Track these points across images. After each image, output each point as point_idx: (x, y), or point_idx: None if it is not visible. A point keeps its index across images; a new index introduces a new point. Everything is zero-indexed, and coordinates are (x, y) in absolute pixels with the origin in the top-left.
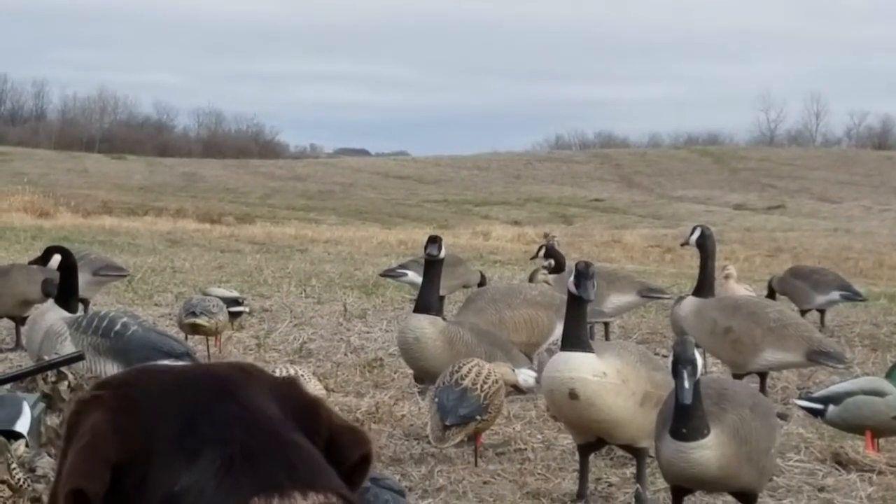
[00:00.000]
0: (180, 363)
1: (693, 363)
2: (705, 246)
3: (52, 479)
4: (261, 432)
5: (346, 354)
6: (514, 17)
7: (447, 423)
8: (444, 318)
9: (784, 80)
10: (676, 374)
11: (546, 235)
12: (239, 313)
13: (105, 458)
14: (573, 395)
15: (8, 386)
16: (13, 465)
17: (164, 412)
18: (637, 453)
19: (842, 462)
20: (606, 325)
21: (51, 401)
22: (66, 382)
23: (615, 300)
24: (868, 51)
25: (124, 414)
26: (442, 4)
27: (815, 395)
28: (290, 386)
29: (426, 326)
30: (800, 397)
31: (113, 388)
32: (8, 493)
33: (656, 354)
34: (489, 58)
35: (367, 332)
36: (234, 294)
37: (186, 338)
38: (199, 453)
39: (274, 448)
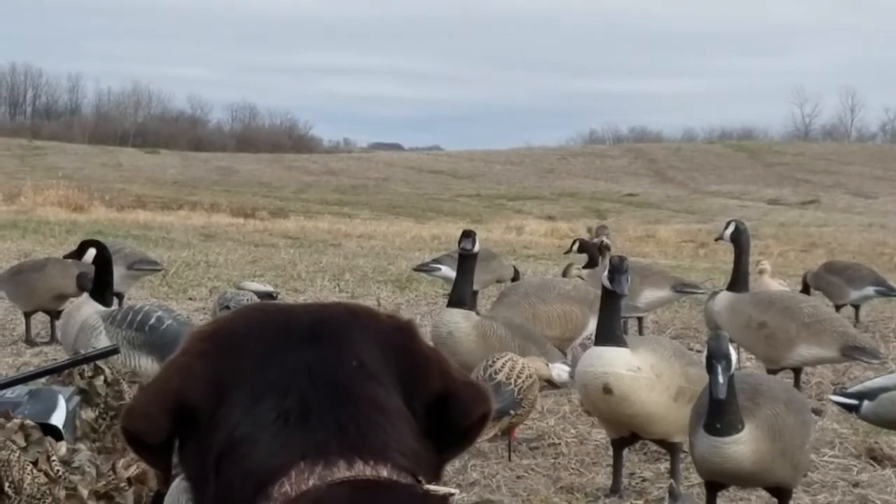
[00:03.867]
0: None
1: (727, 358)
2: (739, 241)
3: (88, 469)
4: (326, 384)
5: None
6: (548, 11)
7: None
8: (477, 313)
9: (819, 74)
10: (711, 369)
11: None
12: None
13: (162, 400)
14: (607, 390)
15: (44, 379)
16: (53, 457)
17: (245, 351)
18: (671, 448)
19: (877, 457)
20: (640, 319)
21: (87, 395)
22: (102, 377)
23: (649, 295)
24: None
25: (199, 358)
26: None
27: (850, 390)
28: (404, 335)
29: (460, 321)
30: (834, 393)
31: (212, 326)
32: (44, 479)
33: (690, 349)
34: (523, 52)
35: None
36: (268, 288)
37: None
38: (262, 399)
39: (333, 403)
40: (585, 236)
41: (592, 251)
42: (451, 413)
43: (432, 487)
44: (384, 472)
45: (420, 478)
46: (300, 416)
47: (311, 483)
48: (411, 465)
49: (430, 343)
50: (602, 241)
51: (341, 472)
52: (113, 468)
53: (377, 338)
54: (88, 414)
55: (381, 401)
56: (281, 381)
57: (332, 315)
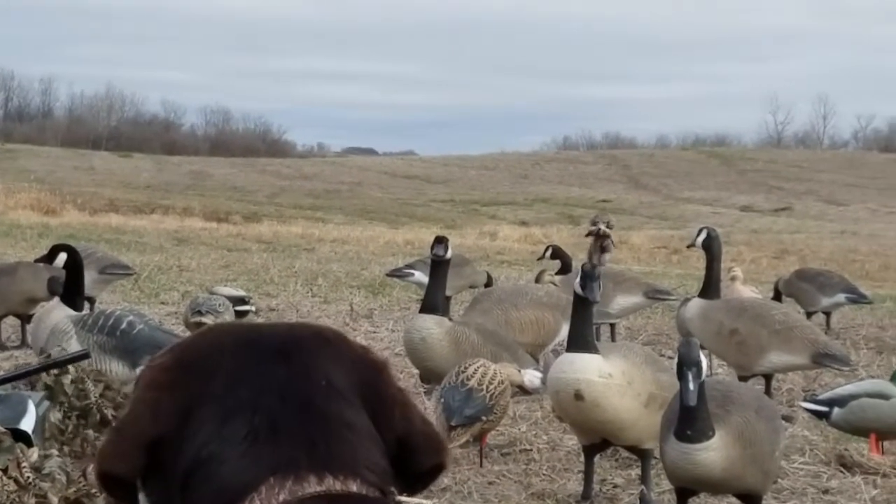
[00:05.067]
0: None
1: (698, 365)
2: (711, 248)
3: (59, 476)
4: (296, 402)
5: None
6: (522, 18)
7: (453, 424)
8: (450, 319)
9: (792, 82)
10: (681, 375)
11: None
12: (245, 312)
13: (138, 441)
14: (578, 396)
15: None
16: (24, 464)
17: (212, 373)
18: (642, 454)
19: (846, 465)
20: (612, 326)
21: (52, 393)
22: (69, 376)
23: (621, 301)
24: (876, 53)
25: (167, 390)
26: (451, 4)
27: (821, 397)
28: (375, 370)
29: (432, 326)
30: (805, 400)
31: (174, 353)
32: (13, 487)
33: (662, 356)
34: (497, 58)
35: (374, 332)
36: (241, 293)
37: None
38: (231, 418)
39: (303, 420)
40: (559, 242)
41: (565, 257)
42: (405, 459)
43: (404, 499)
44: (353, 487)
45: (392, 489)
46: (269, 433)
47: (281, 498)
48: (379, 481)
49: (401, 385)
50: (600, 230)
51: (312, 486)
52: (83, 474)
53: (347, 363)
54: (56, 415)
55: (349, 419)
56: (250, 398)
57: (301, 335)
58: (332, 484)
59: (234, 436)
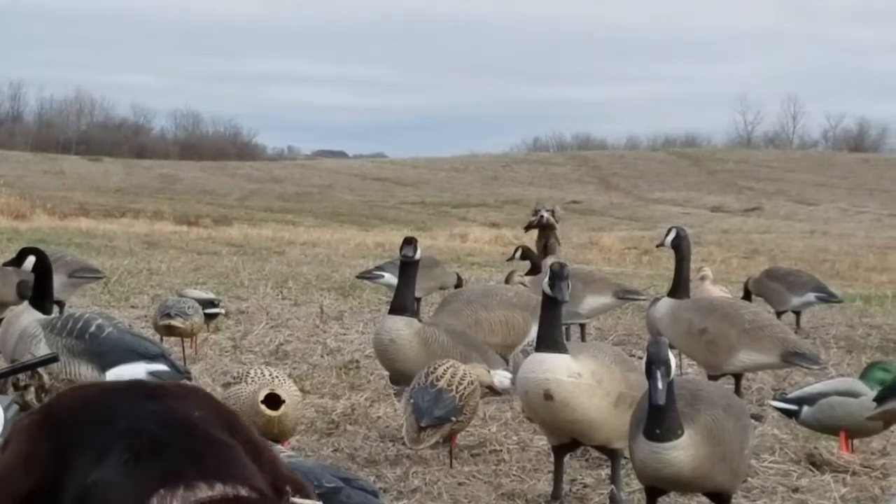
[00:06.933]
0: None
1: (667, 364)
2: (680, 247)
3: None
4: (175, 426)
5: (322, 356)
6: (491, 19)
7: (422, 425)
8: (420, 320)
9: (761, 82)
10: (650, 374)
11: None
12: (215, 315)
13: (13, 493)
14: (548, 396)
15: None
16: None
17: (83, 418)
18: (612, 454)
19: (816, 463)
20: (583, 326)
21: (23, 406)
22: (32, 389)
23: (591, 301)
24: (845, 53)
25: (37, 441)
26: (420, 6)
27: (790, 396)
28: (233, 415)
29: (402, 328)
30: (774, 398)
31: (40, 412)
32: None
33: (632, 356)
34: (467, 60)
35: (344, 334)
36: (210, 296)
37: (162, 339)
38: (110, 448)
39: (185, 440)
40: (529, 244)
41: (535, 258)
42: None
43: (298, 500)
44: (244, 493)
45: (287, 489)
46: (152, 452)
47: None
48: (268, 490)
49: None
50: (542, 218)
51: (203, 492)
52: None
53: (209, 407)
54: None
55: (229, 441)
56: (127, 428)
57: (164, 385)
58: (223, 489)
59: (116, 461)
